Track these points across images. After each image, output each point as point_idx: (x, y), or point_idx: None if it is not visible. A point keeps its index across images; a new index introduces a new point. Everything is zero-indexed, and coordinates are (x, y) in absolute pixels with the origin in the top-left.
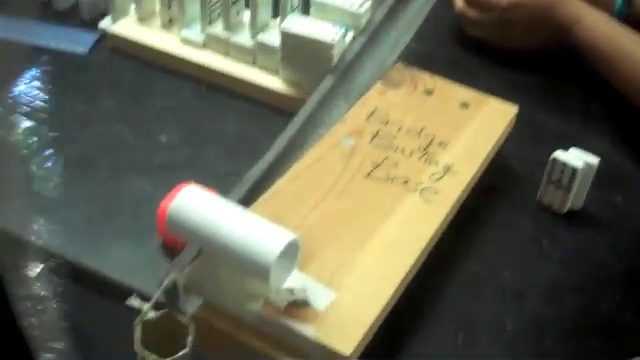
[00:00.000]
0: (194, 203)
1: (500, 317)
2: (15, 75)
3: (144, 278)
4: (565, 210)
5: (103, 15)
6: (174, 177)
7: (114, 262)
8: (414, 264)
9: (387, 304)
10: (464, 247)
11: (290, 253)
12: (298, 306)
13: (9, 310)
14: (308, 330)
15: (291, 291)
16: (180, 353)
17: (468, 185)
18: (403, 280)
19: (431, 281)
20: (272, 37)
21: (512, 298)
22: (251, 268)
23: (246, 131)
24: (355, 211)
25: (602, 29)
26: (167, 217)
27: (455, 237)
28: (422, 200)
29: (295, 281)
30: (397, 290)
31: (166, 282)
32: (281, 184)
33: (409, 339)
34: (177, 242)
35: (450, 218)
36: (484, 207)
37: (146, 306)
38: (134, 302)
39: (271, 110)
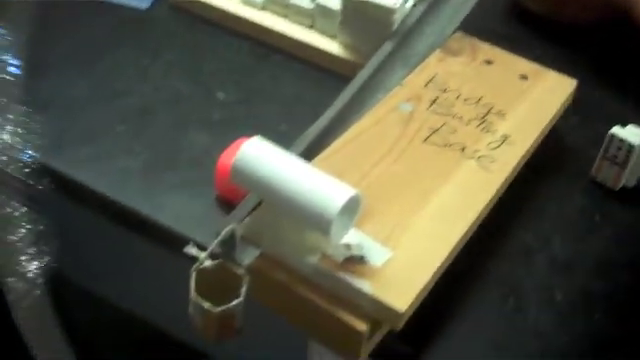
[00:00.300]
0: (260, 153)
1: (550, 287)
2: (76, 29)
3: (198, 229)
4: (619, 187)
5: None
6: (230, 133)
7: (169, 211)
8: (470, 228)
9: (442, 265)
10: (515, 217)
11: (351, 208)
12: (354, 262)
13: None
14: (364, 285)
15: (348, 246)
16: (234, 302)
17: (525, 155)
18: (459, 242)
19: (481, 247)
20: (332, 0)
21: (562, 270)
22: (312, 221)
23: (302, 93)
24: (412, 174)
25: None
26: (232, 166)
27: (507, 208)
28: (479, 167)
29: (352, 238)
30: (452, 252)
31: (224, 232)
32: (338, 144)
33: (458, 300)
34: (233, 196)
35: (506, 187)
36: (537, 180)
37: (203, 254)
38: (191, 250)
39: (328, 73)
